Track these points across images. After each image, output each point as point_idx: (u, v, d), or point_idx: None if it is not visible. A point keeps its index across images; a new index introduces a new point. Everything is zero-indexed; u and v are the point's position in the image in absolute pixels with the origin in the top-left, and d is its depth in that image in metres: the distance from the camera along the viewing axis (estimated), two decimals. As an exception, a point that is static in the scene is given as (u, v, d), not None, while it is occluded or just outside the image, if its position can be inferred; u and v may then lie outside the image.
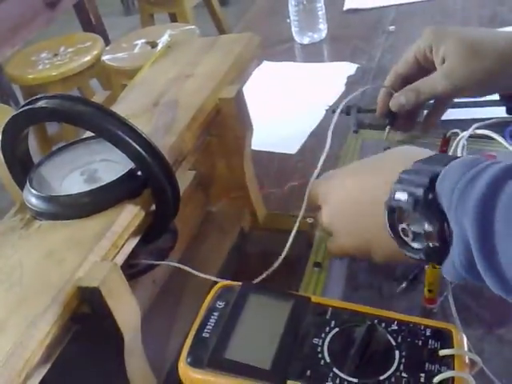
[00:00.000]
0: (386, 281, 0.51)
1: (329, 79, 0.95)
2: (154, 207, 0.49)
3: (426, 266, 0.42)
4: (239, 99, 0.57)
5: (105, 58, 1.87)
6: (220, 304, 0.41)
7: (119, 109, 0.60)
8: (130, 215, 0.45)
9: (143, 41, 1.83)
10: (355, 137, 0.59)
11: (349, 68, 0.96)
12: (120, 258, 0.45)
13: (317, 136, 0.85)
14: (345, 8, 1.16)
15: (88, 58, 2.05)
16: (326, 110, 0.67)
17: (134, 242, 0.47)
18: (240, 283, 0.42)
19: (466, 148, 0.48)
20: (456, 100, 0.65)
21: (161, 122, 0.56)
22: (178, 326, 0.53)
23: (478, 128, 0.47)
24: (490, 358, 0.42)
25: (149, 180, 0.46)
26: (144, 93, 0.62)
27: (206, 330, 0.40)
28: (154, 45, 1.79)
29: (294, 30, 1.09)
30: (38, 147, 2.14)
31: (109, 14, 3.50)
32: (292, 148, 0.85)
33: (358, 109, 0.63)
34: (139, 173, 0.47)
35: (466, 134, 0.47)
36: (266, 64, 1.05)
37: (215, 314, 0.41)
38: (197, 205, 0.65)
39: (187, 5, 2.42)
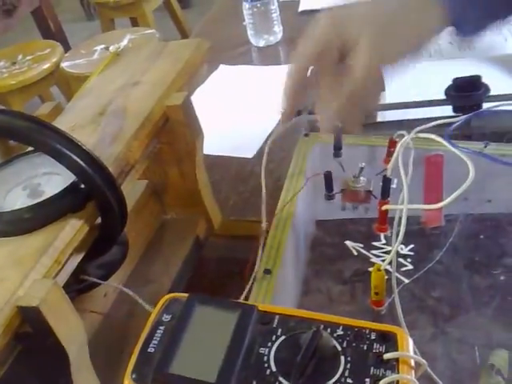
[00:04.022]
0: (334, 284, 0.51)
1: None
2: (99, 220, 0.48)
3: (371, 269, 0.42)
4: (187, 106, 0.57)
5: (64, 64, 1.84)
6: (166, 317, 0.40)
7: (65, 119, 0.59)
8: (72, 230, 0.44)
9: (102, 46, 1.80)
10: (306, 140, 0.59)
11: (304, 70, 0.96)
12: (64, 275, 0.44)
13: (273, 139, 0.85)
14: (300, 9, 1.16)
15: (47, 65, 2.01)
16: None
17: (79, 256, 0.46)
18: (186, 294, 0.41)
19: (412, 148, 0.49)
20: (404, 101, 0.65)
21: (107, 131, 0.55)
22: (132, 340, 0.52)
23: (420, 131, 0.48)
24: (437, 359, 0.43)
25: (92, 193, 0.45)
26: (91, 102, 0.61)
27: (151, 345, 0.39)
28: (113, 50, 1.77)
29: (249, 32, 1.09)
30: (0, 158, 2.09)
31: (70, 20, 3.45)
32: (249, 152, 0.84)
33: (309, 112, 0.63)
34: (82, 186, 0.46)
35: (407, 137, 0.48)
36: (222, 68, 1.05)
37: (161, 327, 0.40)
38: (151, 214, 0.64)
39: (147, 9, 2.40)
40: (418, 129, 0.49)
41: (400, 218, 0.42)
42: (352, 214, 0.55)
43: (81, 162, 0.44)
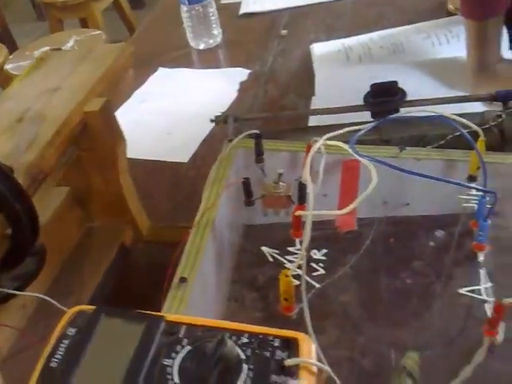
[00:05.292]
0: (249, 292, 0.51)
1: (222, 85, 0.95)
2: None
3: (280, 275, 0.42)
4: (106, 112, 0.56)
5: (8, 66, 1.80)
6: (71, 331, 0.39)
7: (-17, 126, 0.58)
8: (-22, 243, 0.43)
9: (47, 48, 1.76)
10: (228, 145, 0.59)
11: (241, 74, 0.96)
12: (-31, 288, 0.43)
13: (208, 143, 0.85)
14: (240, 12, 1.16)
15: (-10, 67, 1.96)
16: (212, 120, 0.67)
17: (-12, 269, 0.45)
18: (94, 307, 0.41)
19: (324, 155, 0.49)
20: (332, 106, 0.66)
21: (23, 138, 0.53)
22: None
23: (331, 137, 0.49)
24: (345, 363, 0.43)
25: (-1, 204, 0.44)
26: (10, 108, 0.59)
27: (54, 360, 0.38)
28: (58, 52, 1.73)
29: (188, 35, 1.08)
30: None
31: (21, 20, 3.37)
32: (184, 156, 0.84)
33: (234, 118, 0.63)
34: (-12, 196, 0.44)
35: (318, 143, 0.48)
36: (161, 70, 1.04)
37: (65, 341, 0.39)
38: (73, 221, 0.63)
39: (96, 9, 2.36)
40: (329, 135, 0.49)
41: (309, 224, 0.42)
42: (274, 219, 0.56)
43: (-18, 173, 0.42)
